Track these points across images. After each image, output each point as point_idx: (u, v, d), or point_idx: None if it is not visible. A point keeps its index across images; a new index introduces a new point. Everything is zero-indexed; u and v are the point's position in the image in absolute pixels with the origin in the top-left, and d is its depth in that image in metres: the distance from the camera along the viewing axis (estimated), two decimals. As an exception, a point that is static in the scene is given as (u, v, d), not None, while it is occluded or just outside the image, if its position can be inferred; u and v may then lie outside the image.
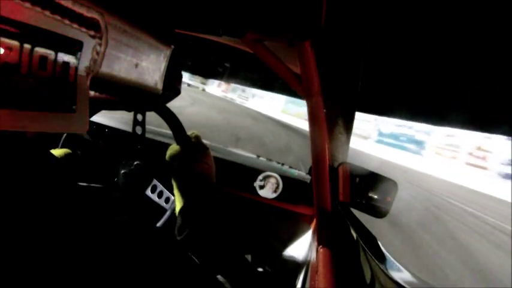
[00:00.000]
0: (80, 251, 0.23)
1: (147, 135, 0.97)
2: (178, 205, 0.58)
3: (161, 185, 0.84)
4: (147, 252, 0.29)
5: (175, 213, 0.59)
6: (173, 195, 0.81)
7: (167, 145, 0.67)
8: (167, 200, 0.84)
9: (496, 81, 0.54)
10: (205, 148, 0.65)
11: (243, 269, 0.57)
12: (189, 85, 22.84)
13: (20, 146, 0.27)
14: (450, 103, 0.66)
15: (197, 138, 0.66)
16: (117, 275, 0.24)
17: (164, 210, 0.83)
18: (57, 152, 0.76)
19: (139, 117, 0.95)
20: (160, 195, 0.84)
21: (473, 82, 0.58)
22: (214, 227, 0.55)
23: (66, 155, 0.76)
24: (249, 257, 1.26)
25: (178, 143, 0.65)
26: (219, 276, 0.49)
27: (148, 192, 0.84)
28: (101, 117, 1.25)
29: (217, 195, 0.59)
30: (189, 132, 0.67)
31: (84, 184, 0.79)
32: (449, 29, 0.51)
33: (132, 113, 0.74)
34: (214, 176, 0.63)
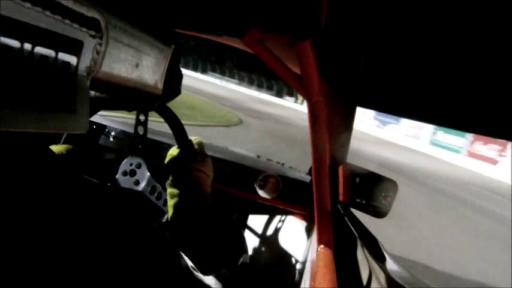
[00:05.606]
0: (78, 248, 0.23)
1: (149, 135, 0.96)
2: (170, 211, 0.56)
3: (160, 187, 0.85)
4: (141, 250, 0.29)
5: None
6: None
7: (170, 145, 0.67)
8: (165, 203, 0.83)
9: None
10: (205, 156, 0.63)
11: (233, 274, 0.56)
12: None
13: (20, 144, 0.27)
14: (450, 103, 0.65)
15: (199, 144, 0.64)
16: (113, 270, 0.24)
17: (162, 211, 0.83)
18: (57, 147, 0.75)
19: (142, 117, 0.95)
20: (159, 196, 0.84)
21: (474, 82, 0.58)
22: (203, 238, 0.53)
23: (67, 151, 0.75)
24: (247, 257, 1.25)
25: (179, 146, 0.64)
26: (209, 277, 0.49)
27: (147, 192, 0.84)
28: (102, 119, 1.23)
29: (208, 206, 0.57)
30: (192, 137, 0.65)
31: (83, 182, 0.79)
32: (450, 28, 0.51)
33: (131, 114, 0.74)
34: (209, 185, 0.61)
